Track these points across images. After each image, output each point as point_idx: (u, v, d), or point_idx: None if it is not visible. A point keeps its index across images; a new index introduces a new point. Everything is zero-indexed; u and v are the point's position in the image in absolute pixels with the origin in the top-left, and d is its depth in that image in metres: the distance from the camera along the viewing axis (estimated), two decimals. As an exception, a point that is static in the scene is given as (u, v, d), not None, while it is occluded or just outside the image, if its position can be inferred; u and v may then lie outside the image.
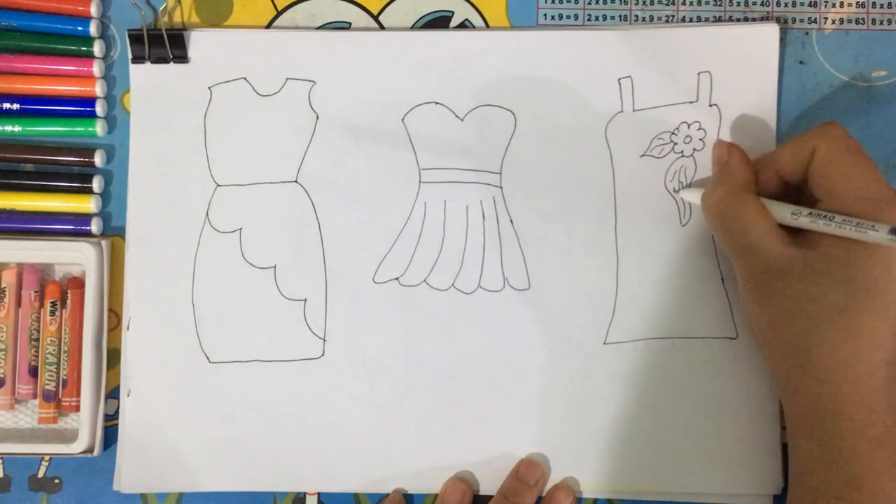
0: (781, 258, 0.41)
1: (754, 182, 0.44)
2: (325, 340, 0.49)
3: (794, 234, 0.42)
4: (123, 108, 0.50)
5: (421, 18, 0.50)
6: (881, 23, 0.49)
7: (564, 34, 0.49)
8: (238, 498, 0.48)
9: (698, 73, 0.48)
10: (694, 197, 0.47)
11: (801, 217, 0.42)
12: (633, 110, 0.48)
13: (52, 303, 0.48)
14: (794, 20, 0.49)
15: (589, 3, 0.50)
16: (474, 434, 0.48)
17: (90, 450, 0.48)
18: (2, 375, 0.48)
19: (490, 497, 0.48)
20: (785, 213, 0.43)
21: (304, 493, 0.49)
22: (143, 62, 0.49)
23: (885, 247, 0.39)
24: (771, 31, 0.49)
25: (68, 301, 0.48)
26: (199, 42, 0.49)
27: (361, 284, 0.49)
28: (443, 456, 0.48)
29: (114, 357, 0.49)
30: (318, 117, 0.49)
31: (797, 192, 0.45)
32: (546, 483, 0.48)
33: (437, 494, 0.48)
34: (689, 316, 0.48)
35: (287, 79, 0.49)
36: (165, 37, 0.48)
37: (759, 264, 0.42)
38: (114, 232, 0.50)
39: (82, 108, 0.49)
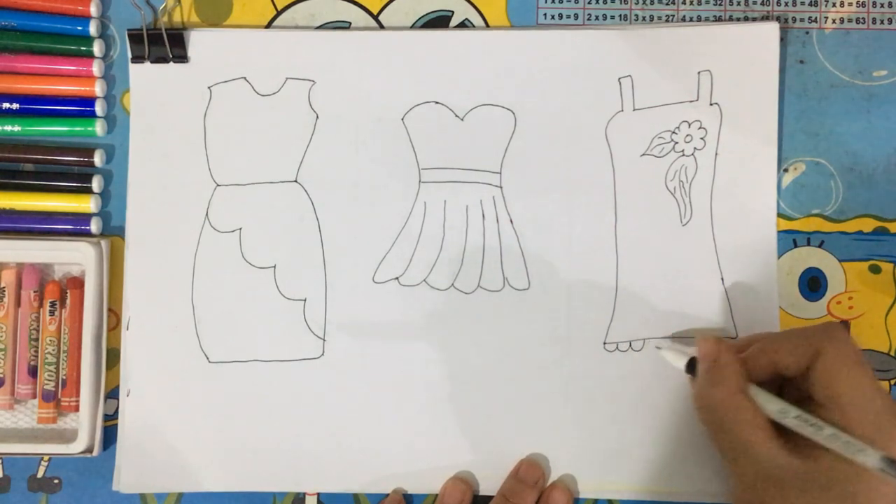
0: (780, 468, 0.39)
1: (746, 379, 0.42)
2: (324, 340, 0.48)
3: (795, 440, 0.40)
4: (123, 107, 0.50)
5: (421, 18, 0.50)
6: (881, 22, 0.49)
7: (564, 34, 0.49)
8: (238, 498, 0.48)
9: (699, 73, 0.48)
10: (674, 359, 0.45)
11: (787, 418, 0.40)
12: (634, 109, 0.48)
13: (51, 303, 0.48)
14: (794, 19, 0.49)
15: (589, 3, 0.50)
16: (474, 434, 0.48)
17: (89, 450, 0.48)
18: (1, 375, 0.48)
19: (490, 497, 0.48)
20: (772, 408, 0.41)
21: (304, 494, 0.49)
22: (142, 62, 0.49)
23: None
24: (771, 31, 0.49)
25: (68, 301, 0.48)
26: (199, 42, 0.49)
27: (361, 284, 0.49)
28: (443, 456, 0.48)
29: (113, 357, 0.49)
30: (317, 117, 0.49)
31: (792, 380, 0.43)
32: (546, 483, 0.48)
33: (437, 494, 0.48)
34: (689, 316, 0.48)
35: (287, 78, 0.49)
36: (165, 36, 0.48)
37: (756, 472, 0.40)
38: (113, 232, 0.49)
39: (82, 107, 0.49)
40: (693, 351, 0.45)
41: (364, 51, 0.49)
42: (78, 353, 0.48)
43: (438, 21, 0.50)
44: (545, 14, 0.50)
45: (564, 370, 0.48)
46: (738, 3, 0.49)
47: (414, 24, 0.50)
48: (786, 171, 0.49)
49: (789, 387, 0.43)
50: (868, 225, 0.49)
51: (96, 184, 0.49)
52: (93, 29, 0.49)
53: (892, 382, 0.49)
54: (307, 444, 0.48)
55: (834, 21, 0.49)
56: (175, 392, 0.48)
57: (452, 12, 0.50)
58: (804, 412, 0.40)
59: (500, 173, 0.49)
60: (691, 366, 0.44)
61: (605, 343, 0.48)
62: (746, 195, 0.49)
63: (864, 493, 0.38)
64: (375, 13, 0.50)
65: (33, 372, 0.48)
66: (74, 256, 0.48)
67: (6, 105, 0.48)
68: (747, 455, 0.41)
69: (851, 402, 0.39)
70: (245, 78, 0.49)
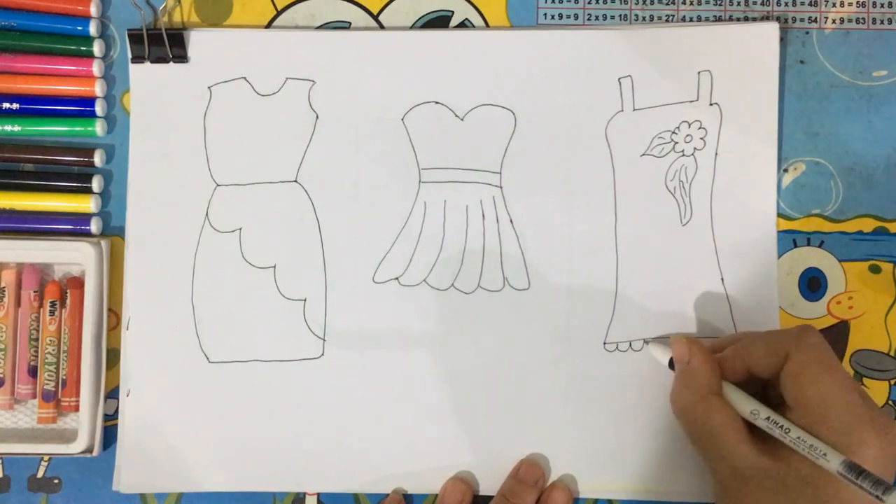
0: (751, 467, 0.40)
1: (719, 380, 0.43)
2: (324, 340, 0.48)
3: (769, 440, 0.41)
4: (123, 107, 0.50)
5: (421, 18, 0.50)
6: (881, 22, 0.49)
7: (564, 34, 0.49)
8: (238, 498, 0.48)
9: (698, 73, 0.48)
10: (660, 356, 0.46)
11: (759, 419, 0.41)
12: (634, 109, 0.48)
13: (51, 303, 0.48)
14: (794, 19, 0.49)
15: (589, 3, 0.50)
16: (474, 434, 0.48)
17: (89, 450, 0.48)
18: (1, 375, 0.48)
19: (490, 497, 0.48)
20: (745, 409, 0.42)
21: (304, 494, 0.49)
22: (142, 62, 0.49)
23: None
24: (771, 31, 0.49)
25: (68, 301, 0.48)
26: (199, 42, 0.49)
27: (361, 284, 0.49)
28: (443, 456, 0.48)
29: (113, 357, 0.49)
30: (317, 117, 0.49)
31: (767, 381, 0.43)
32: (546, 483, 0.48)
33: (437, 494, 0.48)
34: (689, 316, 0.48)
35: (287, 78, 0.49)
36: (165, 36, 0.48)
37: (729, 471, 0.41)
38: (113, 232, 0.49)
39: (82, 107, 0.49)
40: None
41: (364, 51, 0.49)
42: (78, 353, 0.48)
43: (438, 21, 0.50)
44: (545, 14, 0.50)
45: (564, 370, 0.48)
46: (738, 3, 0.49)
47: (414, 24, 0.50)
48: (786, 171, 0.49)
49: (772, 386, 0.43)
50: (868, 225, 0.49)
51: (96, 184, 0.49)
52: (93, 29, 0.49)
53: (892, 382, 0.49)
54: (307, 444, 0.48)
55: (834, 21, 0.49)
56: (175, 392, 0.48)
57: (452, 12, 0.50)
58: (775, 414, 0.41)
59: (500, 173, 0.49)
60: (673, 363, 0.45)
61: (605, 343, 0.48)
62: (746, 195, 0.49)
63: (829, 495, 0.39)
64: (375, 13, 0.50)
65: (33, 372, 0.48)
66: (74, 256, 0.48)
67: (6, 105, 0.48)
68: (719, 454, 0.41)
69: (817, 406, 0.40)
70: (245, 78, 0.49)
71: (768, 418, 0.41)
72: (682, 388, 0.43)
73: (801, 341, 0.41)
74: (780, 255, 0.49)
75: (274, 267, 0.49)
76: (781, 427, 0.40)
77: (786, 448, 0.40)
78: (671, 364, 0.45)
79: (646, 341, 0.48)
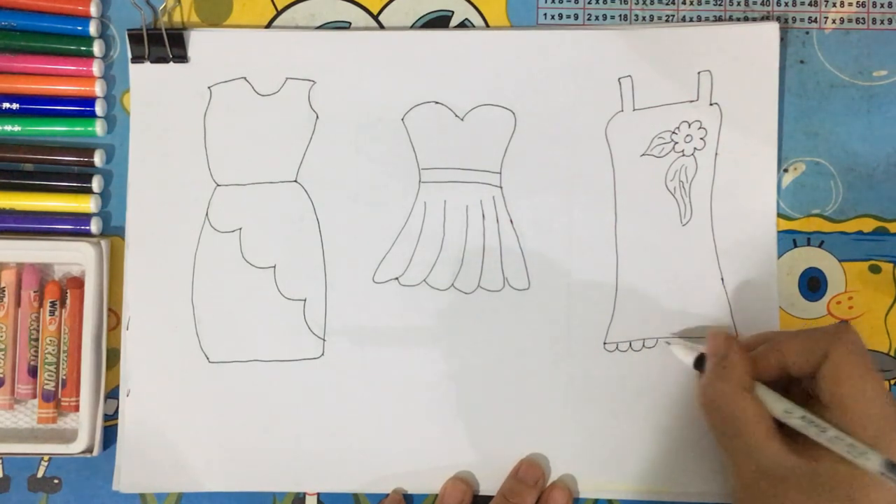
0: (781, 467, 0.40)
1: (753, 377, 0.42)
2: (324, 340, 0.49)
3: (798, 440, 0.40)
4: (123, 107, 0.50)
5: (421, 18, 0.50)
6: (881, 22, 0.49)
7: (564, 34, 0.49)
8: (238, 498, 0.48)
9: (698, 73, 0.48)
10: (683, 354, 0.46)
11: (793, 418, 0.40)
12: (634, 109, 0.48)
13: (51, 303, 0.48)
14: (794, 19, 0.49)
15: (589, 3, 0.50)
16: (474, 434, 0.48)
17: (89, 450, 0.48)
18: (1, 375, 0.48)
19: (490, 497, 0.48)
20: (777, 408, 0.41)
21: (304, 494, 0.49)
22: (142, 62, 0.49)
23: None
24: (771, 31, 0.49)
25: (68, 301, 0.48)
26: (199, 42, 0.49)
27: (361, 284, 0.49)
28: (443, 456, 0.48)
29: (113, 357, 0.49)
30: (317, 117, 0.49)
31: (798, 380, 0.43)
32: (546, 483, 0.48)
33: (437, 494, 0.48)
34: (689, 316, 0.48)
35: (287, 78, 0.49)
36: (165, 36, 0.48)
37: (757, 470, 0.40)
38: (113, 232, 0.49)
39: (82, 107, 0.49)
40: (703, 348, 0.45)
41: (364, 51, 0.49)
42: (78, 353, 0.48)
43: (438, 21, 0.50)
44: (545, 14, 0.50)
45: (564, 370, 0.48)
46: (738, 3, 0.49)
47: (414, 24, 0.50)
48: (786, 171, 0.49)
49: (795, 387, 0.43)
50: (868, 225, 0.49)
51: (96, 184, 0.49)
52: (93, 29, 0.49)
53: (893, 382, 0.49)
54: (307, 444, 0.48)
55: (834, 21, 0.49)
56: (175, 392, 0.48)
57: (452, 12, 0.50)
58: (809, 413, 0.40)
59: (500, 173, 0.49)
60: (700, 362, 0.45)
61: (605, 343, 0.48)
62: (746, 195, 0.49)
63: (864, 495, 0.39)
64: (375, 13, 0.50)
65: (33, 372, 0.48)
66: (74, 256, 0.48)
67: (6, 105, 0.48)
68: (749, 453, 0.41)
69: (856, 406, 0.39)
70: (245, 78, 0.49)
71: (803, 417, 0.40)
72: (715, 381, 0.42)
73: (841, 339, 0.41)
74: (780, 255, 0.49)
75: (274, 267, 0.49)
76: (817, 426, 0.40)
77: (817, 448, 0.40)
78: (696, 363, 0.45)
79: (667, 342, 0.48)
